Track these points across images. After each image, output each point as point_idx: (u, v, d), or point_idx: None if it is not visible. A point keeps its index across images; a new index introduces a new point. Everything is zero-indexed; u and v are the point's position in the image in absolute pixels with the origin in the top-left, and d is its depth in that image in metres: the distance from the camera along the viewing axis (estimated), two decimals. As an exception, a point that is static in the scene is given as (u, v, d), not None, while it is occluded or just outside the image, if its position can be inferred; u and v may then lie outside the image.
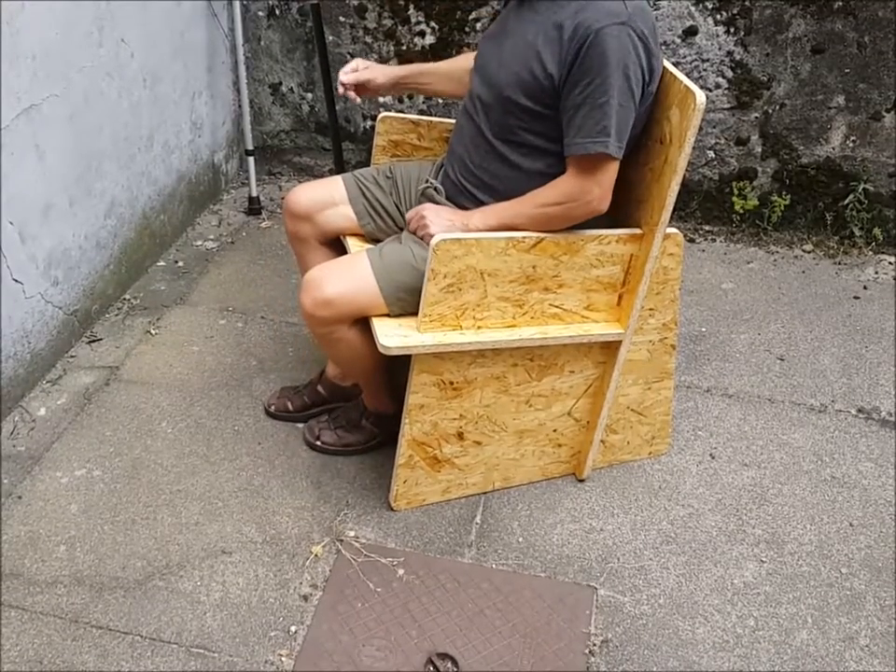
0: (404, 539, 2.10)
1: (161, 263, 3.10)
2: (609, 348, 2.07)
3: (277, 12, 3.37)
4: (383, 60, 3.34)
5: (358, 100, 2.24)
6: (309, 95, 3.51)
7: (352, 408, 2.34)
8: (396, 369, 2.21)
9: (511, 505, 2.20)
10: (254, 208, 3.43)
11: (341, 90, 2.21)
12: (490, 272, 1.86)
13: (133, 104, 2.80)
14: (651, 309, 2.06)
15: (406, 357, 1.93)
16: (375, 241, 2.18)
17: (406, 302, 1.95)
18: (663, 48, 3.12)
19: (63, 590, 1.94)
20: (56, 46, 2.38)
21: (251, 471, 2.26)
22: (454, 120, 2.35)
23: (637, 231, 1.92)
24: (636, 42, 1.74)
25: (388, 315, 1.97)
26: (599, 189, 1.82)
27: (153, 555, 2.03)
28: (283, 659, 1.82)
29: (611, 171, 1.83)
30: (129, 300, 2.89)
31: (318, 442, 2.31)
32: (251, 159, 3.43)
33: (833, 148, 3.20)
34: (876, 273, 3.17)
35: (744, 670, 1.84)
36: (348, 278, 1.95)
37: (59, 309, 2.56)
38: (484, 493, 2.23)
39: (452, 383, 1.99)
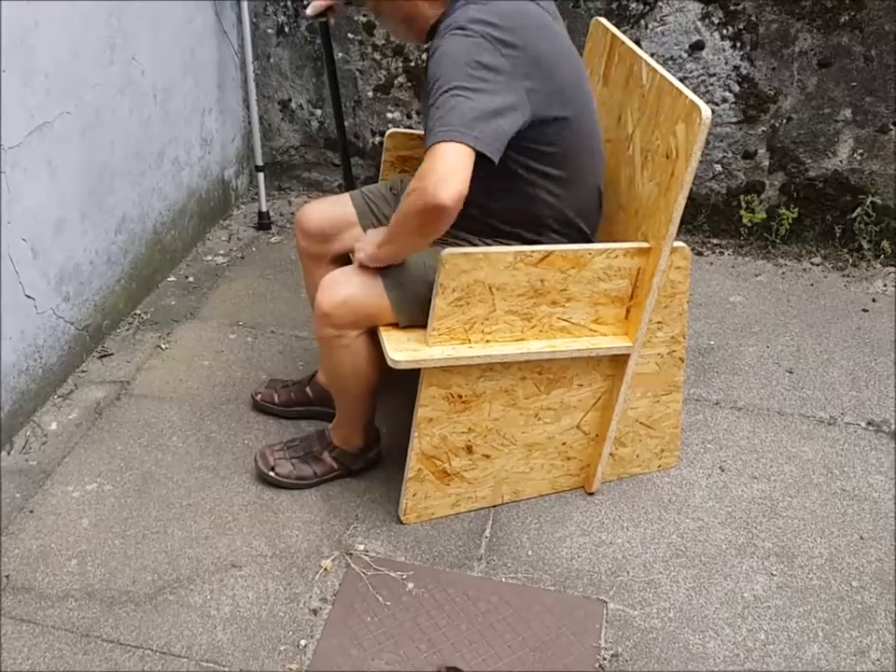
0: (414, 553, 2.10)
1: (172, 278, 3.12)
2: (618, 361, 2.07)
3: (287, 30, 3.40)
4: (391, 76, 3.37)
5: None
6: (318, 111, 3.53)
7: (315, 438, 2.29)
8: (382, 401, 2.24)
9: (520, 518, 2.20)
10: (264, 223, 3.45)
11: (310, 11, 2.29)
12: (498, 285, 1.87)
13: (144, 120, 2.83)
14: (659, 322, 2.07)
15: (407, 382, 1.94)
16: None
17: (414, 312, 1.96)
18: (669, 62, 3.14)
19: (73, 604, 1.95)
20: (69, 64, 2.41)
21: (261, 485, 2.26)
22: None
23: (645, 244, 1.93)
24: (475, 41, 1.73)
25: (396, 326, 1.98)
26: (434, 176, 1.66)
27: (163, 569, 2.04)
28: (293, 673, 1.83)
29: (451, 158, 1.66)
30: (139, 314, 2.91)
31: (272, 473, 2.24)
32: (261, 174, 3.45)
33: (841, 161, 3.21)
34: (885, 285, 3.16)
35: (755, 684, 1.84)
36: (361, 282, 1.97)
37: (70, 324, 2.58)
38: (494, 506, 2.23)
39: (461, 396, 2.00)
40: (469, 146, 1.66)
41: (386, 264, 1.95)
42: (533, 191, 1.93)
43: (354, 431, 2.24)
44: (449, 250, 1.81)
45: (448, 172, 1.66)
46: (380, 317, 1.98)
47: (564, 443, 2.18)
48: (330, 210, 2.25)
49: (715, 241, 3.40)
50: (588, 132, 1.99)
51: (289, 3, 3.35)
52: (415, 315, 1.97)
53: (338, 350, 2.03)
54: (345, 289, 1.96)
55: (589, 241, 2.03)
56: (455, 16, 1.80)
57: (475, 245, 1.99)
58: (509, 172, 1.88)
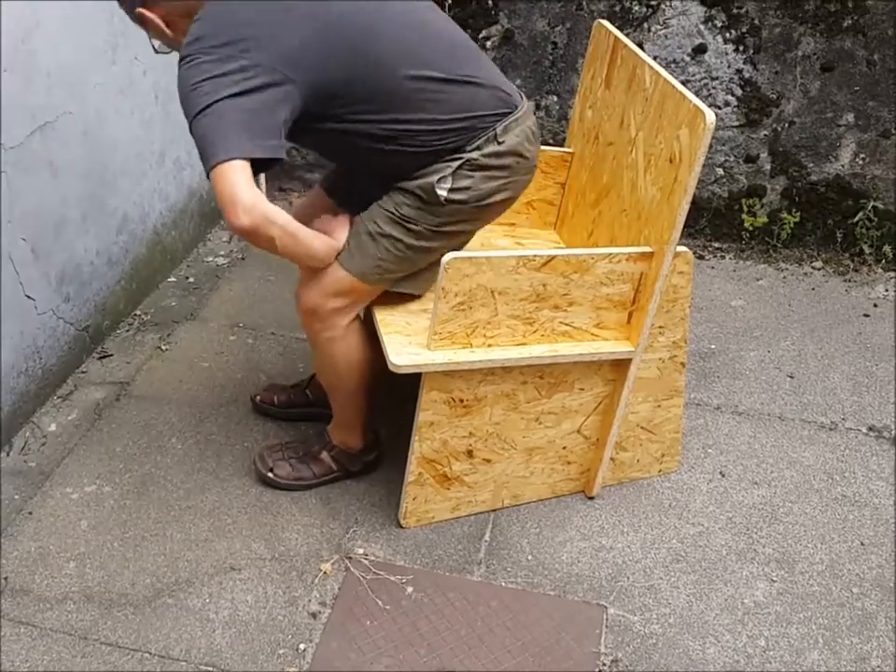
0: (413, 557, 2.09)
1: (172, 279, 3.12)
2: (619, 366, 2.07)
3: (288, 30, 3.39)
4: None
5: None
6: (319, 112, 3.53)
7: (314, 439, 2.30)
8: (380, 400, 2.24)
9: (520, 523, 2.20)
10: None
11: None
12: (501, 290, 1.87)
13: (146, 120, 2.83)
14: (660, 327, 2.07)
15: (410, 379, 1.94)
16: None
17: (382, 273, 1.95)
18: (672, 65, 3.14)
19: (72, 606, 1.94)
20: (70, 64, 2.41)
21: (260, 488, 2.26)
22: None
23: (648, 249, 1.92)
24: (193, 66, 1.68)
25: (376, 295, 1.99)
26: (222, 207, 1.65)
27: (162, 572, 2.03)
28: (292, 677, 1.82)
29: (221, 183, 1.63)
30: (140, 315, 2.91)
31: (270, 474, 2.24)
32: (262, 175, 3.44)
33: (843, 166, 3.20)
34: (886, 290, 3.16)
35: (755, 691, 1.83)
36: (328, 268, 1.95)
37: (70, 325, 2.58)
38: (494, 510, 2.22)
39: (462, 400, 2.00)
40: (232, 159, 1.62)
41: (324, 257, 1.93)
42: (364, 135, 1.84)
43: (352, 431, 2.24)
44: (452, 255, 1.80)
45: (226, 199, 1.63)
46: (355, 292, 1.96)
47: (564, 448, 2.18)
48: (310, 204, 2.23)
49: (716, 245, 3.40)
50: (392, 56, 1.79)
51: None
52: (385, 274, 1.96)
53: (328, 345, 2.03)
54: (317, 279, 1.95)
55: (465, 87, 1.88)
56: (186, 39, 1.73)
57: (382, 197, 1.94)
58: (334, 137, 1.84)
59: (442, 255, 1.81)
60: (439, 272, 1.81)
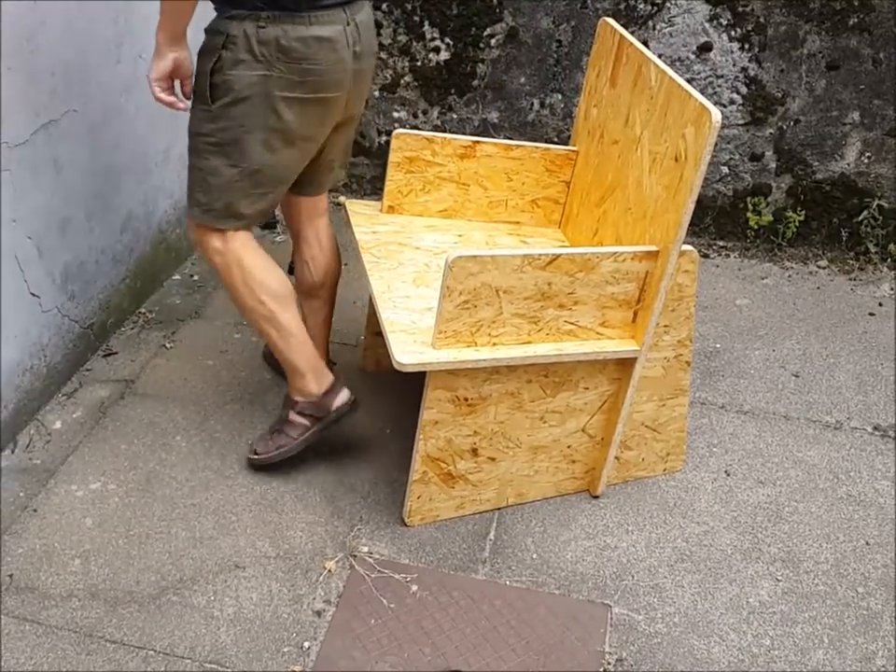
0: (418, 555, 2.09)
1: (177, 277, 3.12)
2: (624, 365, 2.06)
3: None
4: (398, 76, 3.36)
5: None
6: (324, 110, 3.52)
7: (282, 407, 2.31)
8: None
9: (524, 521, 2.20)
10: (269, 222, 3.44)
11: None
12: (506, 289, 1.87)
13: (150, 118, 2.82)
14: (666, 326, 2.06)
15: (414, 377, 1.94)
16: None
17: (202, 197, 2.04)
18: (677, 63, 3.13)
19: (77, 604, 1.95)
20: (75, 62, 2.41)
21: (265, 486, 2.26)
22: (468, 137, 2.38)
23: (653, 248, 1.92)
24: None
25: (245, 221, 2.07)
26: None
27: (167, 570, 2.03)
28: (296, 675, 1.82)
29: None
30: (144, 313, 2.91)
31: (255, 456, 2.27)
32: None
33: (848, 164, 3.20)
34: (892, 289, 3.15)
35: (759, 690, 1.83)
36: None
37: (75, 322, 2.58)
38: (498, 509, 2.22)
39: (466, 399, 1.99)
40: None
41: (168, 46, 1.96)
42: None
43: (301, 376, 2.20)
44: (457, 253, 1.80)
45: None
46: (220, 208, 2.03)
47: (569, 447, 2.17)
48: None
49: (721, 243, 3.39)
50: None
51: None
52: (205, 200, 2.03)
53: (223, 272, 2.10)
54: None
55: None
56: None
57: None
58: None
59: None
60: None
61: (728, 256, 3.34)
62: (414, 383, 2.07)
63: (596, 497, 2.27)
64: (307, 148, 2.04)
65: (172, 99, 2.03)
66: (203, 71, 1.94)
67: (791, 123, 3.18)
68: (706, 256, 3.33)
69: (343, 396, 2.24)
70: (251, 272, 2.08)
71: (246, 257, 2.08)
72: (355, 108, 2.11)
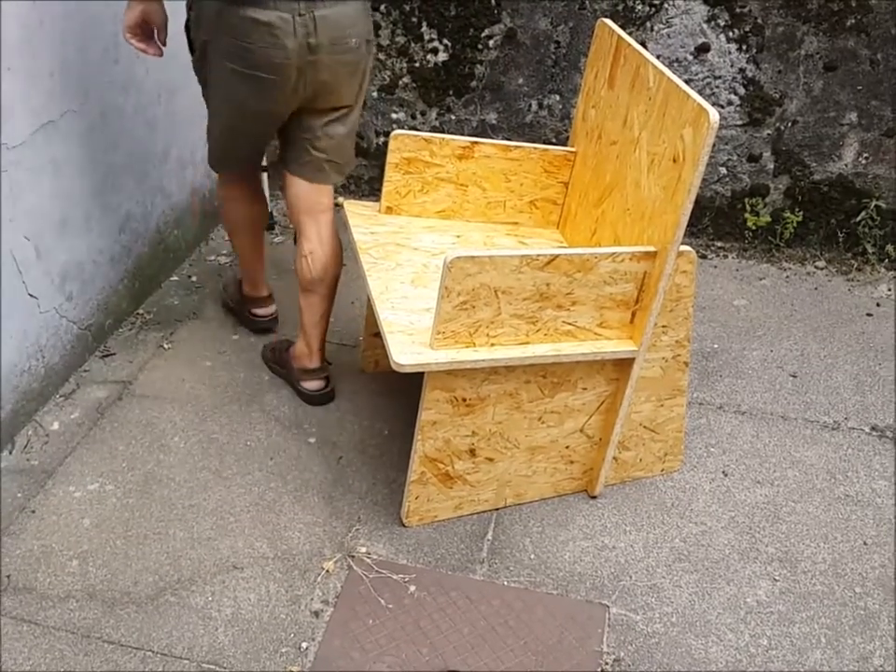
0: (416, 556, 2.09)
1: (175, 278, 3.12)
2: (622, 365, 2.07)
3: (291, 29, 3.39)
4: (396, 77, 3.36)
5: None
6: (322, 111, 3.52)
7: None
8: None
9: (522, 522, 2.20)
10: (267, 223, 3.44)
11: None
12: (504, 289, 1.87)
13: (149, 119, 2.82)
14: (664, 326, 2.06)
15: (413, 378, 1.94)
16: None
17: (227, 143, 2.35)
18: (675, 64, 3.14)
19: (75, 604, 1.95)
20: (74, 62, 2.41)
21: (263, 486, 2.26)
22: (466, 138, 2.38)
23: (651, 248, 1.92)
24: None
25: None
26: None
27: (165, 570, 2.03)
28: (294, 675, 1.82)
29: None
30: (142, 314, 2.91)
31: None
32: (264, 175, 3.43)
33: (846, 165, 3.20)
34: (889, 290, 3.16)
35: (757, 690, 1.83)
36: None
37: (73, 323, 2.58)
38: (496, 509, 2.22)
39: (464, 399, 2.00)
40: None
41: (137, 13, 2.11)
42: None
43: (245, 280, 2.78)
44: (455, 254, 1.80)
45: None
46: (224, 149, 2.37)
47: (567, 447, 2.18)
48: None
49: (719, 244, 3.40)
50: None
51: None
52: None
53: (225, 205, 2.58)
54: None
55: None
56: None
57: None
58: None
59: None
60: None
61: (726, 256, 3.35)
62: (413, 383, 2.07)
63: (594, 498, 2.27)
64: (258, 118, 2.21)
65: (142, 45, 2.19)
66: (186, 25, 2.17)
67: (789, 124, 3.18)
68: (704, 256, 3.33)
69: (269, 310, 2.80)
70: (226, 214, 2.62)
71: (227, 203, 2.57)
72: (320, 98, 2.16)
